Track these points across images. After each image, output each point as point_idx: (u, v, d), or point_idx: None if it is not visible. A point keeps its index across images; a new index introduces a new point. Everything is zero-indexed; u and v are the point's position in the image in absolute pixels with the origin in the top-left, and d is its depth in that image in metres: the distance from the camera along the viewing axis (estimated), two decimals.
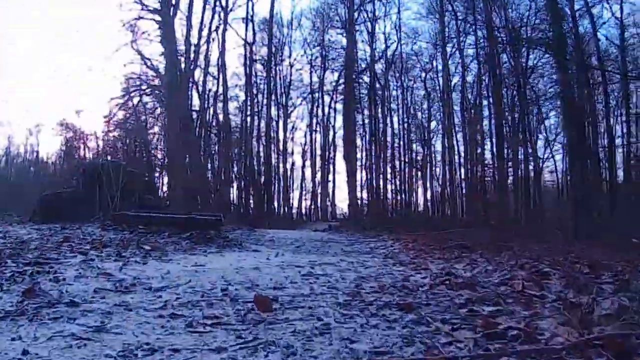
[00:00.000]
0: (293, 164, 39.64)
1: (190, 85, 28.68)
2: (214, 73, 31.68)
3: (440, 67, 32.70)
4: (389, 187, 33.95)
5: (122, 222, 10.73)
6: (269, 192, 33.77)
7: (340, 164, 37.09)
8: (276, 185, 37.15)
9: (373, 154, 33.38)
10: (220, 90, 31.62)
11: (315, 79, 37.72)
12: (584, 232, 15.04)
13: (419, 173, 36.41)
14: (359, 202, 30.23)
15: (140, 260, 6.37)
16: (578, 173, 18.25)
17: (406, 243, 11.82)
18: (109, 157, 19.20)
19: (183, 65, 27.12)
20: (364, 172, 34.51)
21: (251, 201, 34.16)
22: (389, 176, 33.89)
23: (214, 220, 11.28)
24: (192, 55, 28.04)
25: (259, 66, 34.76)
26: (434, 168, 35.72)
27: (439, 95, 33.72)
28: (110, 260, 6.28)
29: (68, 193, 13.65)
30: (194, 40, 28.25)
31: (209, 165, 32.62)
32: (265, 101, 35.32)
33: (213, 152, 33.20)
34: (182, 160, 23.72)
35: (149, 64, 27.56)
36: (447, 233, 13.90)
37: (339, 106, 37.12)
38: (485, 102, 29.91)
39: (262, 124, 34.89)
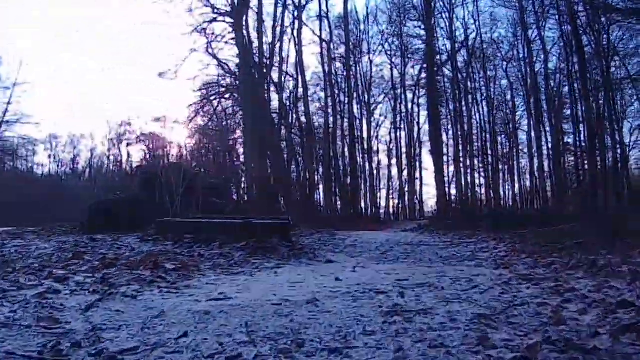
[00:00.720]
0: (379, 162, 37.63)
1: (267, 85, 27.29)
2: (292, 73, 30.33)
3: (521, 55, 30.06)
4: (476, 182, 31.24)
5: (166, 230, 8.85)
6: (355, 193, 31.74)
7: (427, 161, 34.77)
8: (362, 185, 35.35)
9: (460, 148, 30.67)
10: (300, 90, 30.09)
11: (396, 74, 35.59)
12: None
13: (506, 167, 33.25)
14: (448, 198, 27.53)
15: (133, 293, 4.20)
16: None
17: (511, 244, 9.50)
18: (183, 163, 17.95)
19: (259, 68, 25.89)
20: (451, 167, 32.03)
21: (338, 203, 32.48)
22: (476, 171, 31.15)
23: (279, 224, 9.07)
24: (266, 56, 26.75)
25: (338, 64, 32.99)
26: (520, 160, 32.70)
27: (522, 84, 30.82)
28: (82, 292, 4.18)
29: (124, 199, 12.21)
30: (267, 39, 27.06)
31: (294, 168, 31.23)
32: (347, 100, 33.61)
33: (298, 154, 31.71)
34: (262, 163, 22.25)
35: (225, 68, 26.51)
36: (555, 230, 11.39)
37: (423, 101, 34.85)
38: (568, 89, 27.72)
39: (345, 123, 33.13)
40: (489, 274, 5.49)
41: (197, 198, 11.68)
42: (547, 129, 28.79)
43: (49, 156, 45.46)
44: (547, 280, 4.77)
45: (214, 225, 8.74)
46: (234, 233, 8.12)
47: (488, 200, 30.40)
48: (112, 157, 44.47)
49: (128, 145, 42.52)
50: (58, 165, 46.17)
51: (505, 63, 31.58)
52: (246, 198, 24.35)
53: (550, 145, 28.29)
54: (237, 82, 26.00)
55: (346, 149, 33.70)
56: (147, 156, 37.81)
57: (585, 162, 25.64)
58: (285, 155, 28.06)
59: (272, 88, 28.54)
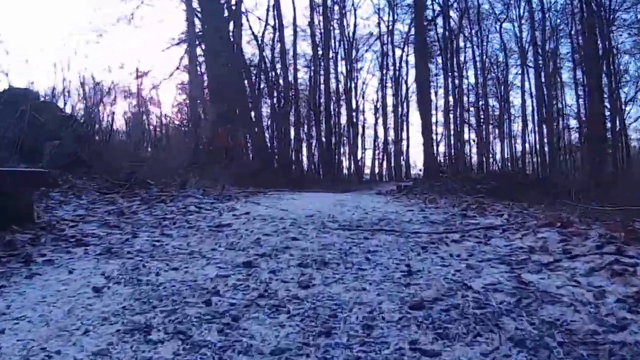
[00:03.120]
0: (364, 121, 32.24)
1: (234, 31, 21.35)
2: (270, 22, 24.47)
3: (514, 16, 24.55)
4: (466, 142, 25.87)
5: None
6: (333, 152, 26.29)
7: (415, 122, 29.48)
8: (347, 145, 30.14)
9: (451, 104, 25.23)
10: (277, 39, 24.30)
11: (384, 28, 29.79)
12: None
13: (496, 130, 27.83)
14: (437, 158, 22.05)
15: None
16: None
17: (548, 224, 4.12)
18: None
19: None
20: (439, 128, 26.66)
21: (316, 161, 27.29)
22: (466, 133, 25.77)
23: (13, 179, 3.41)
24: None
25: (321, 18, 26.93)
26: (512, 124, 27.31)
27: (517, 44, 25.29)
28: None
29: None
30: None
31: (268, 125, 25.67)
32: (332, 55, 28.03)
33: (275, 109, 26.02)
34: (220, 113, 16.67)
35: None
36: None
37: (411, 59, 29.19)
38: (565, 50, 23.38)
39: (331, 79, 27.54)
40: None
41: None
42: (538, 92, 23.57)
43: None
44: None
45: None
46: None
47: (479, 162, 25.07)
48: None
49: None
50: None
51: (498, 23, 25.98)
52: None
53: (543, 110, 23.16)
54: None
55: (332, 107, 28.38)
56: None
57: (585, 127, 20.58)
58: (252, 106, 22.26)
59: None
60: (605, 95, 19.13)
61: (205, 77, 19.31)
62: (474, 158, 25.84)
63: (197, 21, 18.75)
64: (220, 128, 14.06)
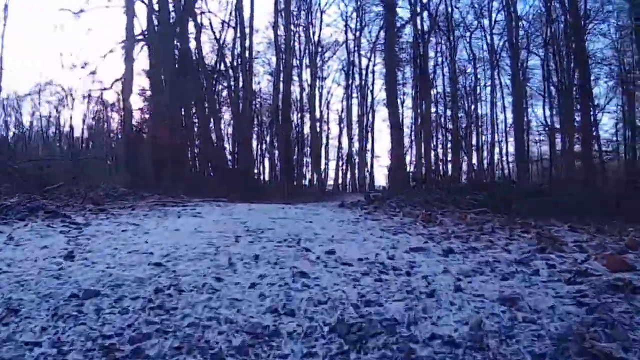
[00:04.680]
0: (328, 131, 29.83)
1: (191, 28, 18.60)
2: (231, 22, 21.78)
3: (486, 25, 22.77)
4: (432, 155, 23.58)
5: None
6: (290, 161, 23.44)
7: (379, 133, 27.31)
8: (309, 156, 27.67)
9: (418, 115, 23.03)
10: (237, 40, 21.59)
11: (350, 36, 27.61)
12: None
13: (463, 142, 25.78)
14: (406, 166, 19.49)
15: None
16: None
17: None
18: None
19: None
20: (406, 139, 24.36)
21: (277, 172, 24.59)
22: (434, 144, 23.52)
23: None
24: None
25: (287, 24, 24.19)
26: (481, 136, 25.34)
27: (487, 55, 23.43)
28: None
29: None
30: None
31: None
32: (296, 63, 25.56)
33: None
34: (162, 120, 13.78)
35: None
36: None
37: (377, 68, 27.13)
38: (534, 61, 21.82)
39: (294, 88, 24.92)
40: None
41: None
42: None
43: None
44: None
45: None
46: None
47: (447, 172, 22.82)
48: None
49: None
50: None
51: (468, 33, 24.13)
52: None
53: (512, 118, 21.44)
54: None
55: (295, 117, 25.88)
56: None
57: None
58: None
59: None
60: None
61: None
62: (441, 167, 23.56)
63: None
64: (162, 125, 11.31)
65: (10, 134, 29.01)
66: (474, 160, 24.40)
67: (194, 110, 17.97)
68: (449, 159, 23.63)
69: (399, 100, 22.26)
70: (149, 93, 16.91)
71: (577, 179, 13.59)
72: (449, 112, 24.31)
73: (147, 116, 16.95)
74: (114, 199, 8.81)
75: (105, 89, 17.87)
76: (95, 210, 5.43)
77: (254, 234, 3.97)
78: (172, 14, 16.87)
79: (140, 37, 16.40)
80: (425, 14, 23.79)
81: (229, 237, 3.93)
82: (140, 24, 16.48)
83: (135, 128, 13.95)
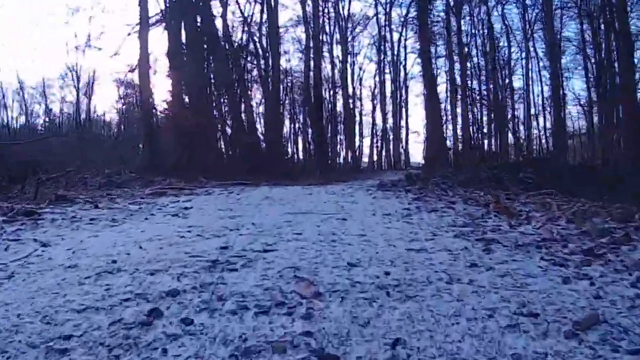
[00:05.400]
0: (362, 108, 28.77)
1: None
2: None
3: None
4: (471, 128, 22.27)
5: None
6: (324, 140, 22.51)
7: (415, 104, 26.10)
8: (343, 134, 26.78)
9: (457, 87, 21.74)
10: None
11: (380, 10, 26.29)
12: None
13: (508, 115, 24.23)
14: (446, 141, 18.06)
15: None
16: None
17: None
18: None
19: None
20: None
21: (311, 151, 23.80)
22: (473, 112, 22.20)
23: None
24: None
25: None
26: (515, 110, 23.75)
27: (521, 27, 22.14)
28: None
29: None
30: None
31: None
32: (327, 39, 24.52)
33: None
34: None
35: None
36: None
37: (409, 43, 25.79)
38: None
39: (325, 65, 23.96)
40: None
41: None
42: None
43: None
44: None
45: None
46: None
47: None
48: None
49: None
50: None
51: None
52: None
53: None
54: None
55: (326, 94, 24.91)
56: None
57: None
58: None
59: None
60: None
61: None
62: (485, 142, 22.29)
63: None
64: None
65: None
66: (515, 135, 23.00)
67: (223, 90, 17.37)
68: (487, 132, 22.36)
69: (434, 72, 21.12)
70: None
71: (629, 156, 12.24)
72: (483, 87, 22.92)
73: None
74: (112, 186, 8.35)
75: (131, 70, 17.30)
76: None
77: (226, 274, 2.57)
78: None
79: (159, 15, 15.76)
80: None
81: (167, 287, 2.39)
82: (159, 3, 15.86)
83: (156, 109, 13.42)
